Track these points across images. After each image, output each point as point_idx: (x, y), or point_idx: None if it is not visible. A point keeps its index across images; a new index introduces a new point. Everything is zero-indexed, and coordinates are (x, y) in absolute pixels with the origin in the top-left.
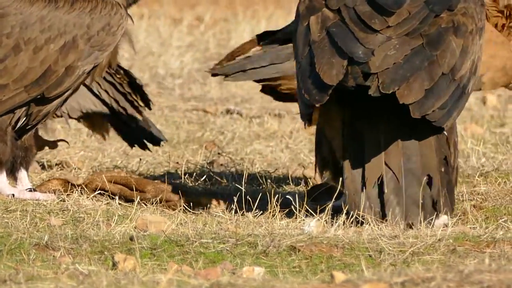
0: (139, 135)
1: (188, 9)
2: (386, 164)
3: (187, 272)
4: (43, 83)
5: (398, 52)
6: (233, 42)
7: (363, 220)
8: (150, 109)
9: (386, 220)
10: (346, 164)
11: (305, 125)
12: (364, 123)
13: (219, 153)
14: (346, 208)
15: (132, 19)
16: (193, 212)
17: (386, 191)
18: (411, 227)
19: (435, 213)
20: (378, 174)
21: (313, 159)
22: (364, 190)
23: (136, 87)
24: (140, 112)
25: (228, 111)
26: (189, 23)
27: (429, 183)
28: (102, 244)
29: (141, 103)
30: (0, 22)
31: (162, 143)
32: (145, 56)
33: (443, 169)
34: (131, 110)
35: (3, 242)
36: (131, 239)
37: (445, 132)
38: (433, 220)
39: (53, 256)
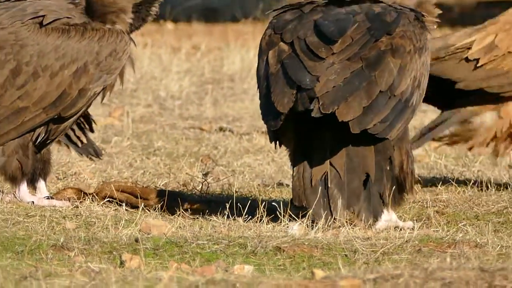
0: (84, 151)
1: (186, 39)
2: (330, 163)
3: (185, 270)
4: (59, 105)
5: (339, 76)
6: (226, 68)
7: (307, 211)
8: (93, 132)
9: (331, 211)
10: (295, 165)
11: (275, 146)
12: (313, 132)
13: (213, 166)
14: (294, 203)
15: (135, 43)
16: (190, 217)
17: (330, 185)
18: (357, 217)
19: (382, 203)
20: (323, 171)
21: None
22: (311, 185)
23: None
24: (85, 133)
25: (221, 129)
26: (187, 51)
27: (369, 180)
28: (111, 245)
29: (86, 126)
30: (19, 52)
31: (100, 156)
32: (148, 80)
33: (388, 168)
34: (78, 132)
35: (24, 243)
36: (136, 240)
37: (389, 138)
38: (381, 211)
39: (68, 255)
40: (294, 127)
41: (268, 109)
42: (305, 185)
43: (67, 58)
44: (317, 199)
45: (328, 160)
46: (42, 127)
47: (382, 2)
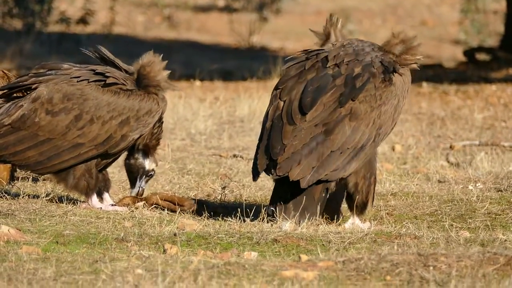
0: None
1: (209, 92)
2: (291, 192)
3: (209, 255)
4: (107, 144)
5: (300, 142)
6: (237, 112)
7: (272, 214)
8: None
9: (286, 215)
10: (274, 188)
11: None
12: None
13: (229, 182)
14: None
15: (166, 101)
16: (213, 218)
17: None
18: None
19: (316, 217)
20: (285, 193)
21: None
22: (277, 202)
23: None
24: None
25: (234, 156)
26: (210, 101)
27: (311, 204)
28: (156, 238)
29: None
30: (82, 103)
31: None
32: (182, 121)
33: (323, 194)
34: None
35: (95, 237)
36: (175, 234)
37: (343, 176)
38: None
39: (126, 245)
40: None
41: (254, 166)
42: (276, 200)
43: (115, 112)
44: (278, 206)
45: (290, 189)
46: (95, 159)
47: (374, 45)
